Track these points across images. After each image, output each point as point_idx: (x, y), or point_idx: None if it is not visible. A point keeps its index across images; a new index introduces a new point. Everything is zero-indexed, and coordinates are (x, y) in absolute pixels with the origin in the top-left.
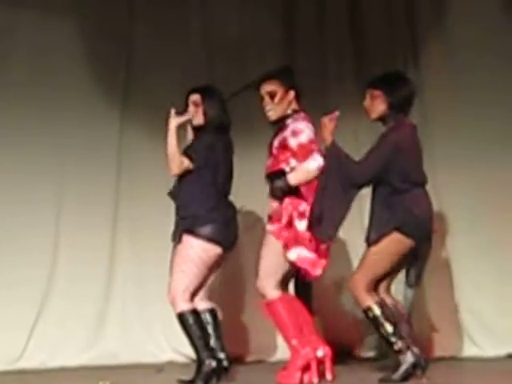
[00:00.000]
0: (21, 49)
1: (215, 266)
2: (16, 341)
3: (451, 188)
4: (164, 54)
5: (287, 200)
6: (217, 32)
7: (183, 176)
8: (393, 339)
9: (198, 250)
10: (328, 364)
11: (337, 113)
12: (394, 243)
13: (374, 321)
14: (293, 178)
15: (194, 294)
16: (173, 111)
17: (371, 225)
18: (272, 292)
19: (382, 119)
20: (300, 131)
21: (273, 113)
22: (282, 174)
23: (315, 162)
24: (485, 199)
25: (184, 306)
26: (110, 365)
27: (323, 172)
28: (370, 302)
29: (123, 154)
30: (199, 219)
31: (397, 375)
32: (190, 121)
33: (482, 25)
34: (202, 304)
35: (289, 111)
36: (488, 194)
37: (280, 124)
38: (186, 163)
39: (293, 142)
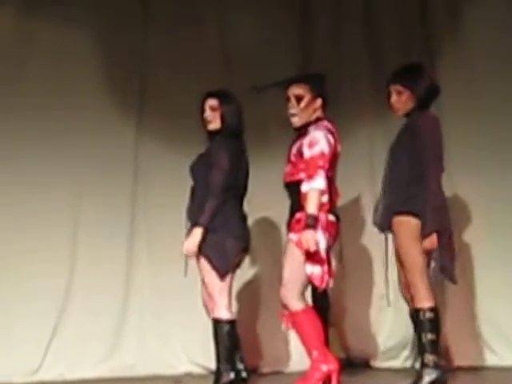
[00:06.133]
0: (38, 58)
1: (236, 264)
2: (34, 353)
3: (469, 198)
4: (179, 62)
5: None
6: (232, 42)
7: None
8: (429, 349)
9: None
10: (334, 379)
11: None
12: None
13: (425, 323)
14: (312, 208)
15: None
16: None
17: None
18: (296, 303)
19: (407, 114)
20: (316, 143)
21: (297, 119)
22: (300, 184)
23: (316, 184)
24: (503, 209)
25: (224, 313)
26: (127, 377)
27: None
28: (432, 303)
29: (139, 164)
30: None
31: None
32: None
33: (496, 34)
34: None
35: (313, 118)
36: (506, 203)
37: (302, 130)
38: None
39: (307, 153)
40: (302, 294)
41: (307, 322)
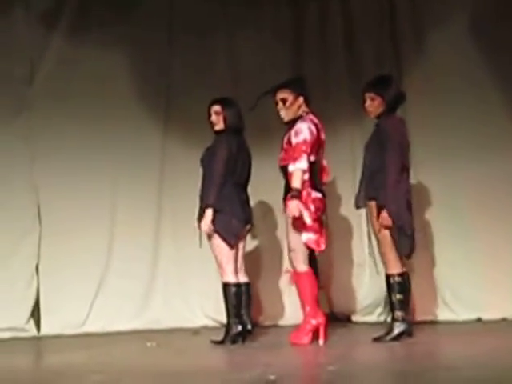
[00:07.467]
0: (81, 77)
1: (240, 238)
2: (81, 310)
3: (431, 185)
4: (197, 80)
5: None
6: (239, 64)
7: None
8: (398, 307)
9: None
10: (322, 331)
11: None
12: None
13: (394, 286)
14: (296, 184)
15: (236, 266)
16: None
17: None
18: (301, 266)
19: (378, 116)
20: (300, 132)
21: (284, 115)
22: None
23: (300, 164)
24: (458, 194)
25: (230, 278)
26: (155, 329)
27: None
28: (400, 269)
29: (165, 159)
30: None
31: (389, 337)
32: (211, 125)
33: (454, 53)
34: (242, 277)
35: (299, 113)
36: (460, 189)
37: (291, 123)
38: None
39: (293, 140)
40: (306, 259)
41: (307, 281)
